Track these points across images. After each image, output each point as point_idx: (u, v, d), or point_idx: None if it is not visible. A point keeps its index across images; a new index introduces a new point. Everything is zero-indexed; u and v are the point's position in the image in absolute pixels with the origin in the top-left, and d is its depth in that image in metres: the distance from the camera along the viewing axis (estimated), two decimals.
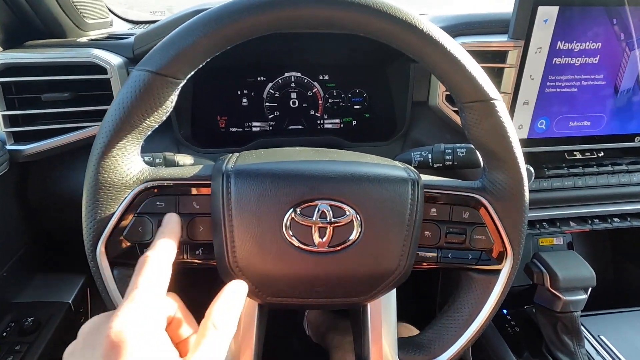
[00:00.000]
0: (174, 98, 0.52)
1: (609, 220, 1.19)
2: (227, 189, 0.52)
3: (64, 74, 0.88)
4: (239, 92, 1.26)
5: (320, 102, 1.19)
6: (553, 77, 0.96)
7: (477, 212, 0.59)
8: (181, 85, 0.51)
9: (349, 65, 1.19)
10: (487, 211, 0.58)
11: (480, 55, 0.93)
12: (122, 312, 0.33)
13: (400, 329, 1.02)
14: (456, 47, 0.50)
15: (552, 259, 1.04)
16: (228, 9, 0.47)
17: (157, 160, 0.79)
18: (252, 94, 1.26)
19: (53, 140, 0.91)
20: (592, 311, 1.17)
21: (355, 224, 0.53)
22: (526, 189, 0.57)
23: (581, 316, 1.01)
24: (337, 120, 1.32)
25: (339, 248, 0.53)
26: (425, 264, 0.59)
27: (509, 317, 1.26)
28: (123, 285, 0.51)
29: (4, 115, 0.88)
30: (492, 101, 0.52)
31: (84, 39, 1.07)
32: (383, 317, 0.61)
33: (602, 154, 1.12)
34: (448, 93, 1.06)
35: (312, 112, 1.29)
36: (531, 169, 1.02)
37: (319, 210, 0.53)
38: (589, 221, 1.20)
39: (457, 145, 0.83)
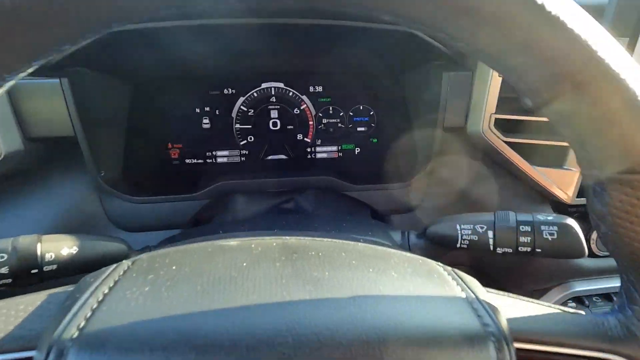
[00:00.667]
0: None
1: None
2: None
3: None
4: (197, 110, 0.91)
5: (310, 122, 0.96)
6: None
7: None
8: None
9: (351, 73, 0.95)
10: None
11: None
12: None
13: None
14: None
15: None
16: None
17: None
18: (217, 112, 0.91)
19: None
20: None
21: None
22: None
23: None
24: (334, 148, 0.97)
25: None
26: None
27: None
28: None
29: None
30: None
31: None
32: None
33: None
34: (500, 116, 0.71)
35: (299, 136, 0.95)
36: None
37: None
38: None
39: (542, 217, 0.49)
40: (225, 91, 0.93)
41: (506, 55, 0.26)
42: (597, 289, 0.81)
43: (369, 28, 0.69)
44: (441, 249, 0.55)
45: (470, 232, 0.51)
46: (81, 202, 0.75)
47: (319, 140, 0.98)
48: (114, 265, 0.33)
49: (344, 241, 0.40)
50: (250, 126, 0.94)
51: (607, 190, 0.29)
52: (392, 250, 0.38)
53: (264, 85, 0.94)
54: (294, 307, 0.28)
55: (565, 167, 0.75)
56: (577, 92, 0.26)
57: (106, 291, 0.29)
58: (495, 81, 0.71)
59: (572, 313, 0.34)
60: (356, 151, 0.99)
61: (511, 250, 0.49)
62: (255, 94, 0.94)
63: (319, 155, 0.98)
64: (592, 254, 0.80)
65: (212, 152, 0.95)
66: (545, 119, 0.31)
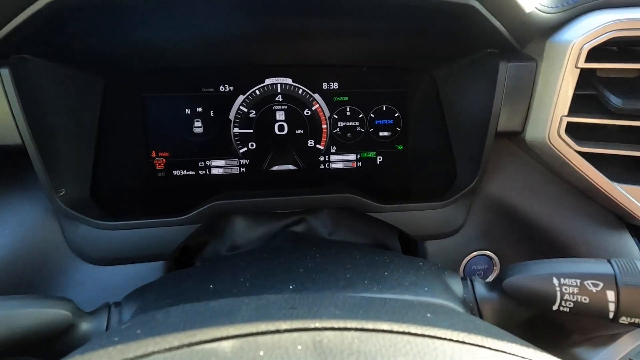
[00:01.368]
0: None
1: None
2: None
3: None
4: (188, 111, 0.75)
5: (324, 126, 0.82)
6: None
7: None
8: None
9: (371, 67, 0.80)
10: None
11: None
12: None
13: None
14: None
15: None
16: None
17: None
18: (211, 113, 0.76)
19: None
20: None
21: None
22: None
23: None
24: (352, 157, 0.81)
25: None
26: None
27: None
28: None
29: None
30: None
31: None
32: None
33: None
34: (575, 120, 0.55)
35: (310, 142, 0.79)
36: None
37: None
38: None
39: None
40: (222, 88, 0.77)
41: None
42: None
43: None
44: (523, 309, 0.38)
45: (576, 289, 0.35)
46: (36, 229, 0.59)
47: (334, 148, 0.82)
48: None
49: (405, 333, 0.24)
50: (251, 131, 0.78)
51: None
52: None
53: (268, 82, 0.78)
54: None
55: None
56: None
57: None
58: (570, 74, 0.55)
59: None
60: (378, 160, 0.83)
61: None
62: (257, 92, 0.78)
63: (333, 166, 0.82)
64: None
65: (205, 162, 0.78)
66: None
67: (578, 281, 0.35)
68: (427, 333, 0.25)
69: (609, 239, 0.64)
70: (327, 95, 0.81)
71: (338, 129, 0.82)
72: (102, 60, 0.64)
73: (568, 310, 0.35)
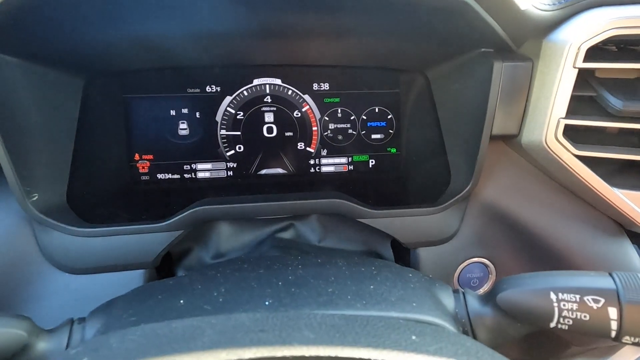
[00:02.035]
0: None
1: None
2: None
3: None
4: (173, 112, 0.72)
5: (314, 128, 0.79)
6: None
7: None
8: None
9: (363, 67, 0.77)
10: None
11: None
12: None
13: None
14: None
15: None
16: None
17: None
18: (197, 114, 0.73)
19: None
20: None
21: None
22: None
23: None
24: (343, 160, 0.79)
25: None
26: None
27: None
28: None
29: None
30: None
31: None
32: None
33: None
34: (573, 122, 0.53)
35: (300, 145, 0.76)
36: None
37: None
38: None
39: None
40: (208, 89, 0.75)
41: None
42: None
43: None
44: (518, 326, 0.36)
45: (576, 305, 0.32)
46: (7, 236, 0.56)
47: (325, 151, 0.79)
48: None
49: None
50: (239, 133, 0.76)
51: None
52: None
53: (256, 82, 0.75)
54: None
55: None
56: None
57: None
58: (567, 74, 0.52)
59: None
60: (370, 163, 0.81)
61: None
62: (245, 93, 0.75)
63: (324, 170, 0.80)
64: None
65: (191, 166, 0.76)
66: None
67: (577, 296, 0.32)
68: None
69: (608, 247, 0.61)
70: (317, 97, 0.78)
71: (329, 132, 0.79)
72: (79, 59, 0.61)
73: (567, 327, 0.33)
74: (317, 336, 0.24)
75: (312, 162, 0.80)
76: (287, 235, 0.69)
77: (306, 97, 0.77)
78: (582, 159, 0.56)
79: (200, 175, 0.76)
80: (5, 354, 0.32)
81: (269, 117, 0.77)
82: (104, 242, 0.57)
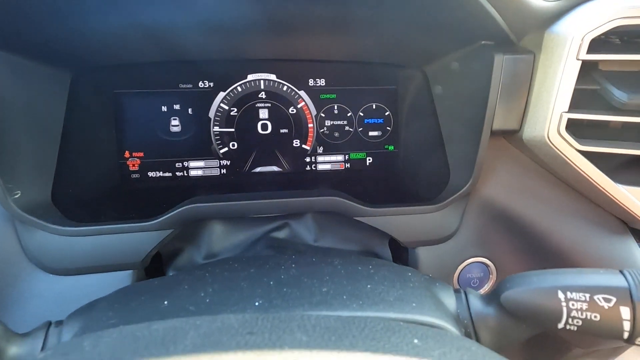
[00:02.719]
0: None
1: None
2: None
3: None
4: (164, 109, 0.70)
5: (310, 125, 0.77)
6: None
7: None
8: None
9: (360, 62, 0.75)
10: None
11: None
12: None
13: None
14: None
15: None
16: None
17: None
18: (189, 111, 0.70)
19: None
20: None
21: None
22: None
23: None
24: (340, 157, 0.77)
25: None
26: None
27: None
28: None
29: None
30: None
31: None
32: None
33: None
34: (576, 116, 0.51)
35: (295, 142, 0.74)
36: None
37: None
38: None
39: None
40: (201, 84, 0.73)
41: None
42: None
43: None
44: (524, 327, 0.34)
45: (585, 305, 0.30)
46: None
47: (321, 148, 0.77)
48: None
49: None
50: (232, 129, 0.74)
51: None
52: None
53: (250, 78, 0.73)
54: None
55: None
56: None
57: None
58: (570, 66, 0.51)
59: None
60: (368, 161, 0.79)
61: None
62: (239, 89, 0.73)
63: (320, 167, 0.78)
64: None
65: (183, 163, 0.74)
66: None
67: (587, 295, 0.30)
68: None
69: (612, 244, 0.60)
70: (313, 93, 0.76)
71: (325, 129, 0.77)
72: (66, 52, 0.59)
73: (576, 329, 0.31)
74: (311, 339, 0.22)
75: (307, 159, 0.78)
76: (281, 234, 0.67)
77: (302, 93, 0.76)
78: (585, 154, 0.54)
79: (192, 173, 0.74)
80: None
81: (263, 113, 0.75)
82: (90, 241, 0.55)
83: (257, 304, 0.31)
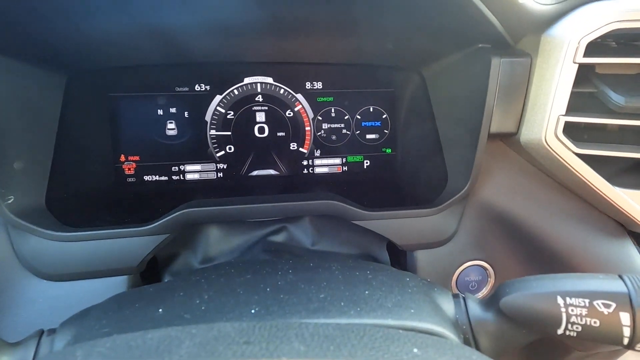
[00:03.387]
0: None
1: None
2: None
3: None
4: (160, 112, 0.70)
5: (307, 128, 0.77)
6: None
7: None
8: None
9: (357, 65, 0.75)
10: None
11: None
12: None
13: None
14: None
15: None
16: None
17: None
18: (186, 114, 0.70)
19: None
20: None
21: None
22: None
23: None
24: (337, 161, 0.77)
25: None
26: None
27: None
28: None
29: None
30: None
31: None
32: None
33: None
34: (573, 119, 0.51)
35: (293, 146, 0.74)
36: None
37: None
38: None
39: None
40: (197, 88, 0.72)
41: None
42: None
43: None
44: (523, 333, 0.33)
45: (585, 311, 0.30)
46: None
47: (318, 151, 0.77)
48: None
49: None
50: (229, 133, 0.73)
51: None
52: None
53: (247, 81, 0.73)
54: None
55: None
56: None
57: None
58: (567, 70, 0.51)
59: None
60: (365, 164, 0.78)
61: None
62: (235, 92, 0.73)
63: (317, 171, 0.77)
64: None
65: (179, 167, 0.73)
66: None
67: (586, 301, 0.30)
68: None
69: (610, 248, 0.60)
70: (310, 96, 0.76)
71: (322, 132, 0.77)
72: (61, 55, 0.58)
73: (575, 334, 0.30)
74: (309, 349, 0.22)
75: (305, 163, 0.77)
76: (278, 238, 0.66)
77: (299, 96, 0.75)
78: (582, 157, 0.54)
79: (189, 176, 0.74)
80: None
81: (260, 116, 0.74)
82: (85, 246, 0.54)
83: (253, 311, 0.31)
